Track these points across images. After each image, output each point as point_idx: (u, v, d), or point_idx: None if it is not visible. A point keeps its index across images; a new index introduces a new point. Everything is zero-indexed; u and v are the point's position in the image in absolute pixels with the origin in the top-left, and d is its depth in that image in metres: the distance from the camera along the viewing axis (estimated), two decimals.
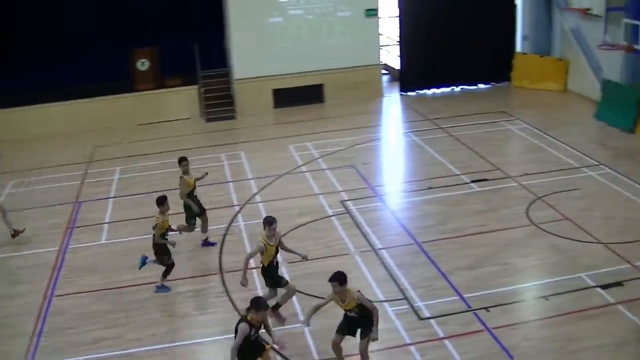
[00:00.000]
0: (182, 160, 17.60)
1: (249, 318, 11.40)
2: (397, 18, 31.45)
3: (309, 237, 18.16)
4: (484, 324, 14.20)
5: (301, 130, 26.55)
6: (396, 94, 31.74)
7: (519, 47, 33.07)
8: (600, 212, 18.95)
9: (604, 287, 15.34)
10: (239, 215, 19.74)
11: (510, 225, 18.51)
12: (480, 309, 14.74)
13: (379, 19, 30.86)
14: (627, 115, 25.49)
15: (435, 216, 19.10)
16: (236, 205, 20.40)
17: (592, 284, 15.48)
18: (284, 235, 15.69)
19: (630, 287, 15.34)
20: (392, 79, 33.64)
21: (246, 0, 28.87)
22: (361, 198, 20.49)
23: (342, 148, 24.54)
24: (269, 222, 13.98)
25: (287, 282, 14.56)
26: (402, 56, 31.68)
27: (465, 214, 19.15)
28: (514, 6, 32.60)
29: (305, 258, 14.59)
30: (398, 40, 31.94)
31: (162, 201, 15.75)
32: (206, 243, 18.03)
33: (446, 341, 13.74)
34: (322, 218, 19.31)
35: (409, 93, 31.76)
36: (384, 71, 33.01)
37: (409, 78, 31.78)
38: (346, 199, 20.43)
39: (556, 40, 31.89)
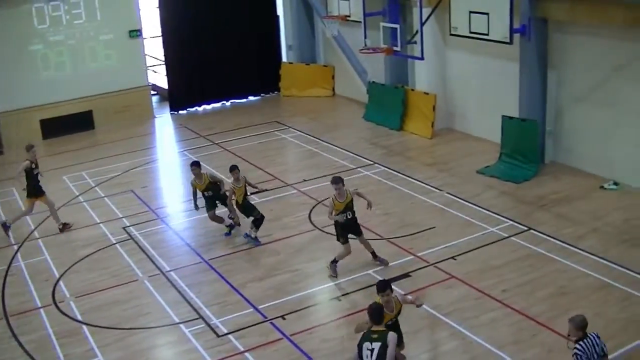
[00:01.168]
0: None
1: None
2: (161, 37, 31.16)
3: (95, 269, 17.58)
4: (282, 332, 14.27)
5: (74, 160, 25.65)
6: (167, 113, 31.37)
7: (284, 57, 33.64)
8: (379, 209, 19.52)
9: (392, 280, 15.77)
10: (18, 255, 18.78)
11: (295, 232, 18.75)
12: (277, 317, 14.81)
13: (143, 40, 30.42)
14: (394, 114, 26.51)
15: (219, 232, 18.97)
16: (14, 245, 19.42)
17: (380, 279, 15.86)
18: None
19: (417, 277, 16.00)
20: (162, 99, 33.28)
21: (1, 29, 27.43)
22: (143, 222, 20.09)
23: (118, 173, 23.96)
24: (231, 169, 18.05)
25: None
26: (169, 75, 31.37)
27: (249, 226, 19.16)
28: (276, 17, 33.14)
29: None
30: (164, 59, 31.64)
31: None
32: None
33: (247, 354, 13.69)
34: (106, 247, 18.74)
35: (180, 111, 31.49)
36: (152, 92, 32.57)
37: (178, 97, 31.50)
38: (128, 224, 19.97)
39: (320, 47, 32.72)
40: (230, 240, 18.56)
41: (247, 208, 18.31)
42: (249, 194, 18.65)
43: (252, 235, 18.22)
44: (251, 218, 18.28)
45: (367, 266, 16.49)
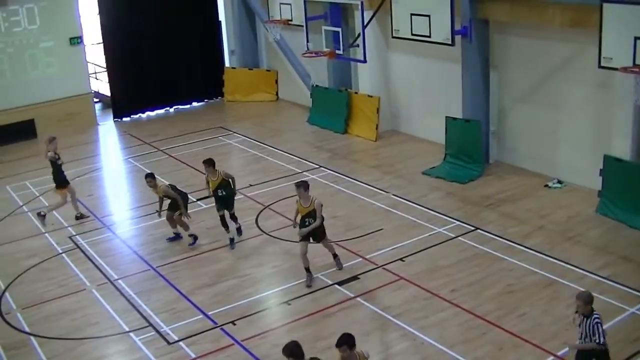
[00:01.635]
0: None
1: None
2: (102, 44, 30.87)
3: (41, 279, 17.30)
4: (232, 338, 14.22)
5: (17, 169, 25.21)
6: (111, 121, 31.09)
7: (227, 62, 33.57)
8: (326, 212, 19.48)
9: (341, 283, 15.89)
10: None
11: (242, 237, 18.69)
12: (227, 323, 14.77)
13: (85, 47, 30.10)
14: (338, 118, 26.60)
15: (164, 237, 18.90)
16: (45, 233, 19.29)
17: (330, 282, 15.99)
18: None
19: (365, 279, 16.06)
20: (105, 106, 32.97)
21: None
22: (90, 231, 19.86)
23: None
24: (206, 162, 18.05)
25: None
26: (112, 82, 31.08)
27: (197, 232, 19.08)
28: (218, 23, 33.04)
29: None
30: (106, 66, 31.35)
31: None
32: None
33: None
34: (51, 257, 18.46)
35: (124, 119, 31.24)
36: (95, 99, 32.24)
37: (121, 103, 31.21)
38: (74, 233, 19.73)
39: (263, 52, 32.72)
40: (177, 248, 18.43)
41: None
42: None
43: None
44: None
45: (314, 270, 16.44)
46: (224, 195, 18.14)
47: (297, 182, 15.94)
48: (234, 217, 18.59)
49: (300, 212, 15.91)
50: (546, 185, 20.26)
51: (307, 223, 15.77)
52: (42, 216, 20.43)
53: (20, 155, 26.98)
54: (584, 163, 19.85)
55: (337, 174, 22.41)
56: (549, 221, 18.23)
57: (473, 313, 14.42)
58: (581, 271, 15.64)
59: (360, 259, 16.99)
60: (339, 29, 24.15)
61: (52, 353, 14.26)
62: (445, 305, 14.80)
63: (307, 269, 16.08)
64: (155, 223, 19.42)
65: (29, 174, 24.58)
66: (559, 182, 20.27)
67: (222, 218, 18.29)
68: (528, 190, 20.13)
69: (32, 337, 14.87)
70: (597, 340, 10.85)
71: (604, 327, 11.02)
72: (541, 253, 16.55)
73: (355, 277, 16.12)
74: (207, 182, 18.28)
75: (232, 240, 18.42)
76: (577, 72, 19.56)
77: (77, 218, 20.61)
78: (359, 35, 23.69)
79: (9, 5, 28.00)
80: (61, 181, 20.54)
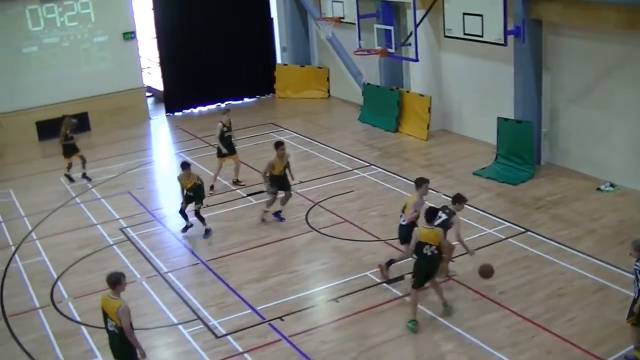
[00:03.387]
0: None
1: None
2: (156, 39, 31.17)
3: (93, 270, 17.55)
4: (280, 334, 14.30)
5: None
6: (162, 115, 31.43)
7: (279, 59, 33.69)
8: (376, 210, 19.62)
9: (389, 282, 15.88)
10: (16, 256, 18.77)
11: (292, 234, 18.79)
12: (275, 319, 14.85)
13: (138, 42, 30.42)
14: (389, 116, 26.57)
15: (216, 233, 19.04)
16: (12, 246, 19.42)
17: (378, 280, 16.00)
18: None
19: None
20: (157, 101, 33.30)
21: None
22: (140, 223, 20.12)
23: (114, 175, 23.99)
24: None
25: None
26: (165, 77, 31.42)
27: (246, 228, 19.25)
28: (270, 20, 33.18)
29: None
30: (159, 61, 31.65)
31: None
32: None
33: (246, 355, 13.74)
34: (103, 248, 18.75)
35: (176, 113, 31.56)
36: (148, 93, 32.56)
37: (173, 98, 31.57)
38: (125, 226, 19.98)
39: (314, 49, 32.79)
40: (227, 242, 18.57)
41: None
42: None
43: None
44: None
45: (363, 268, 16.55)
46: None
47: (276, 143, 19.53)
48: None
49: (276, 168, 18.93)
50: (598, 189, 20.03)
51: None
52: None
53: None
54: (637, 166, 19.61)
55: (387, 173, 22.39)
56: (600, 225, 18.03)
57: (522, 315, 14.33)
58: (632, 276, 15.42)
59: (409, 258, 16.91)
60: (391, 28, 24.16)
61: (101, 343, 14.35)
62: (493, 307, 14.73)
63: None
64: (205, 217, 19.54)
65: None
66: (612, 185, 20.03)
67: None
68: (579, 193, 19.93)
69: (82, 327, 15.12)
70: (635, 286, 12.17)
71: None
72: (592, 257, 16.38)
73: (401, 277, 16.09)
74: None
75: (186, 227, 19.27)
76: (631, 74, 19.31)
77: (233, 183, 22.35)
78: (410, 33, 23.65)
79: (64, 0, 28.41)
80: (226, 150, 21.93)
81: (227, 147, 21.86)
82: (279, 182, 19.29)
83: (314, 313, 15.23)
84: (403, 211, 15.72)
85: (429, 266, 14.07)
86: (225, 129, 21.72)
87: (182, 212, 18.98)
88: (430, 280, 14.37)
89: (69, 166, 23.59)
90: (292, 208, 20.13)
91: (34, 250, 18.94)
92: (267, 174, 19.11)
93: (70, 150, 23.52)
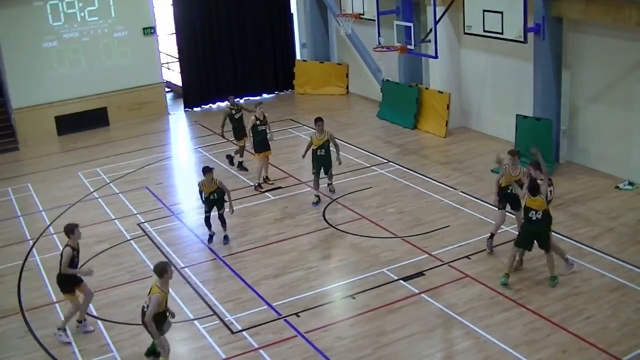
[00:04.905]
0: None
1: None
2: (175, 35, 31.23)
3: (110, 264, 17.65)
4: (296, 330, 14.30)
5: (89, 156, 25.77)
6: (181, 110, 31.48)
7: (298, 55, 33.70)
8: (393, 207, 19.58)
9: (406, 279, 15.86)
10: (34, 250, 18.89)
11: (309, 230, 18.79)
12: (291, 315, 14.85)
13: (157, 37, 30.51)
14: (408, 113, 26.52)
15: (234, 228, 19.01)
16: (29, 240, 19.52)
17: (395, 277, 15.97)
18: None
19: (431, 276, 15.98)
20: (176, 96, 33.36)
21: (16, 26, 27.56)
22: (158, 219, 20.16)
23: (132, 170, 24.05)
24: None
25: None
26: (184, 73, 31.47)
27: (263, 224, 19.26)
28: (290, 15, 33.19)
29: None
30: (178, 57, 31.72)
31: None
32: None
33: (261, 351, 13.74)
34: (120, 243, 18.81)
35: (195, 109, 31.61)
36: (167, 89, 32.64)
37: (192, 94, 31.60)
38: (143, 221, 20.04)
39: (334, 45, 32.78)
40: (243, 239, 18.60)
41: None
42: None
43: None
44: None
45: (380, 265, 16.54)
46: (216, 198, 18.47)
47: (317, 118, 20.43)
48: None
49: (315, 144, 19.99)
50: (617, 187, 19.91)
51: (320, 153, 20.15)
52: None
53: (92, 142, 27.53)
54: None
55: (405, 169, 22.35)
56: (619, 223, 17.92)
57: (538, 314, 14.26)
58: None
59: (427, 255, 16.92)
60: (411, 24, 24.04)
61: (117, 337, 14.53)
62: (510, 305, 14.67)
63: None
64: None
65: (100, 161, 25.12)
66: (630, 183, 19.90)
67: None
68: (598, 192, 19.82)
69: (99, 321, 15.17)
70: None
71: None
72: (610, 255, 16.28)
73: (420, 273, 16.07)
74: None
75: (211, 237, 18.71)
76: None
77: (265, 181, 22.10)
78: (430, 30, 23.58)
79: None
80: (261, 146, 21.65)
81: (261, 142, 21.63)
82: (320, 160, 20.22)
83: (330, 309, 15.21)
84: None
85: (533, 230, 15.11)
86: (258, 122, 21.50)
87: (208, 220, 18.54)
88: (546, 254, 15.29)
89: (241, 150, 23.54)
90: (309, 205, 20.13)
91: (52, 245, 18.99)
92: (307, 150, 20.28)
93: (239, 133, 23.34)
